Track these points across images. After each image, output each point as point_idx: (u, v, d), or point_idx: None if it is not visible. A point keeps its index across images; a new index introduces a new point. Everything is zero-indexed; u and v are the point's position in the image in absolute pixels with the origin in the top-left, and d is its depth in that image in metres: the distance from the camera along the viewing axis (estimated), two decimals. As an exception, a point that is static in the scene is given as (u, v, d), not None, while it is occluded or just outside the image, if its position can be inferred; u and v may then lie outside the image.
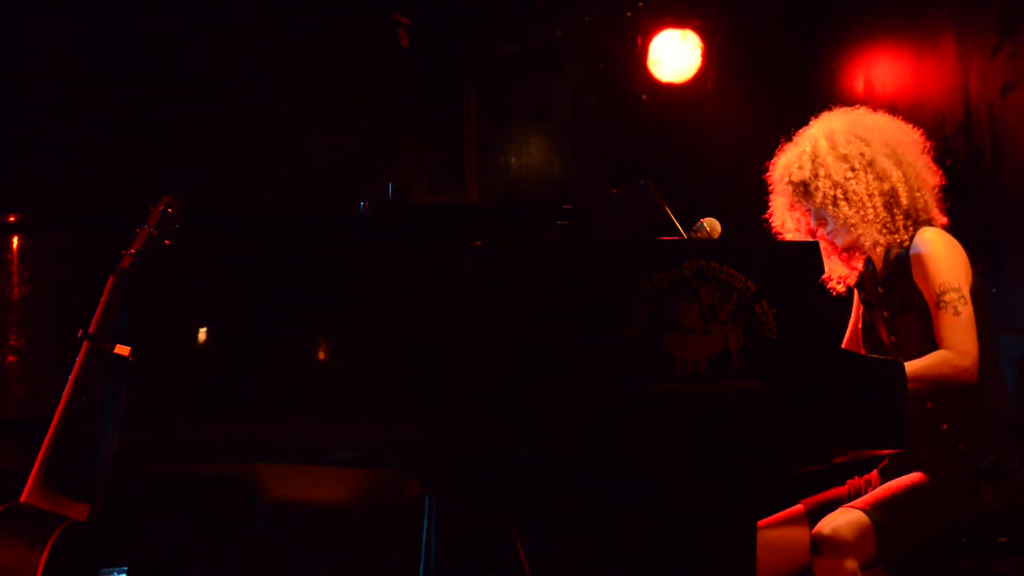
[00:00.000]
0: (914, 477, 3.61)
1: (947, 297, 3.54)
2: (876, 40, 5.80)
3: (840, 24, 5.89)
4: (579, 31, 6.24)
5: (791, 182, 3.75)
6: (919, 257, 3.62)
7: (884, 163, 3.69)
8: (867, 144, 3.71)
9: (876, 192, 3.67)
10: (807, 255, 3.21)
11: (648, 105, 6.15)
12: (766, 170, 3.86)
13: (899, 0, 5.69)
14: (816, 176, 3.70)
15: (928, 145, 3.83)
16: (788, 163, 3.78)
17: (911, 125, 3.84)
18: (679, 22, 6.02)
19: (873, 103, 3.95)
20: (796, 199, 3.78)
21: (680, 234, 3.60)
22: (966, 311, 3.53)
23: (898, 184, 3.68)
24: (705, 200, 3.90)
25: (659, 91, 6.12)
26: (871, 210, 3.67)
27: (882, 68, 5.77)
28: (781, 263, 3.20)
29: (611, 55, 6.20)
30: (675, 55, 6.03)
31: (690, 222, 3.65)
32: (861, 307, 3.90)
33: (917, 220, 3.71)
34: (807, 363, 3.11)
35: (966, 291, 3.56)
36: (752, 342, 3.07)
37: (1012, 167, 5.18)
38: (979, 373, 3.55)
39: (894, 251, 3.71)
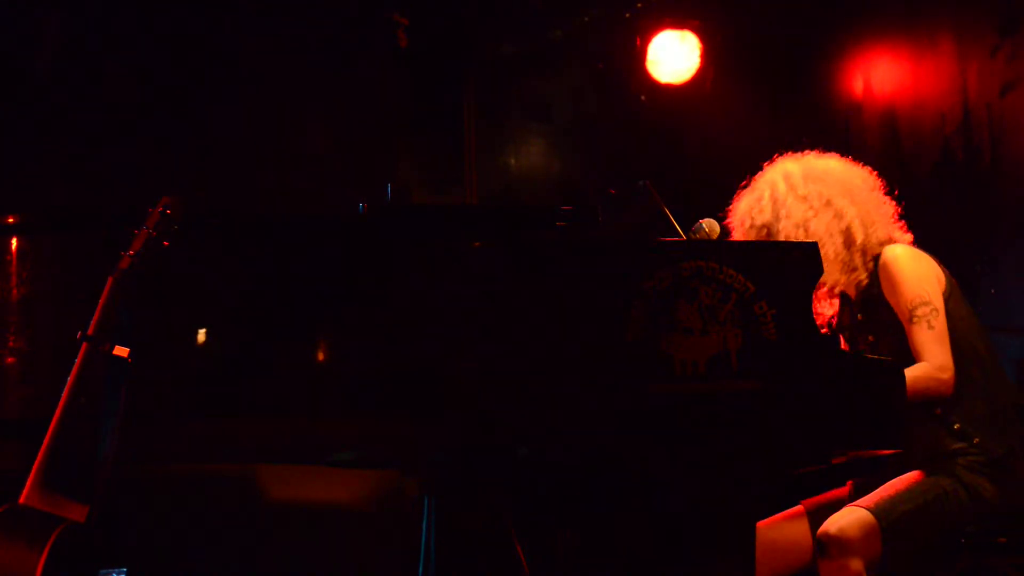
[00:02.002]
0: (916, 475, 3.62)
1: (919, 312, 3.59)
2: (875, 40, 5.80)
3: (839, 24, 5.89)
4: (578, 31, 6.25)
5: (754, 225, 3.82)
6: (888, 274, 3.68)
7: (840, 202, 3.76)
8: (824, 184, 3.79)
9: (836, 231, 3.74)
10: (806, 256, 3.22)
11: (647, 106, 6.16)
12: (726, 216, 3.89)
13: (898, 0, 5.69)
14: (778, 219, 3.78)
15: (880, 183, 3.87)
16: (749, 207, 3.85)
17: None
18: (678, 23, 6.02)
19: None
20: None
21: (679, 234, 3.61)
22: (939, 323, 3.58)
23: (853, 221, 3.74)
24: (704, 200, 3.91)
25: (658, 92, 6.12)
26: (831, 248, 3.73)
27: (881, 68, 5.77)
28: (780, 264, 3.21)
29: (610, 56, 6.21)
30: (674, 56, 6.04)
31: (689, 222, 3.66)
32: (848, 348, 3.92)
33: (874, 253, 3.74)
34: (806, 363, 3.12)
35: (938, 302, 3.61)
36: (751, 342, 3.07)
37: (1011, 167, 5.18)
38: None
39: (864, 276, 3.74)
